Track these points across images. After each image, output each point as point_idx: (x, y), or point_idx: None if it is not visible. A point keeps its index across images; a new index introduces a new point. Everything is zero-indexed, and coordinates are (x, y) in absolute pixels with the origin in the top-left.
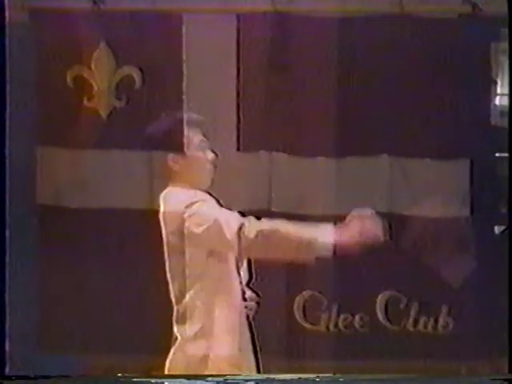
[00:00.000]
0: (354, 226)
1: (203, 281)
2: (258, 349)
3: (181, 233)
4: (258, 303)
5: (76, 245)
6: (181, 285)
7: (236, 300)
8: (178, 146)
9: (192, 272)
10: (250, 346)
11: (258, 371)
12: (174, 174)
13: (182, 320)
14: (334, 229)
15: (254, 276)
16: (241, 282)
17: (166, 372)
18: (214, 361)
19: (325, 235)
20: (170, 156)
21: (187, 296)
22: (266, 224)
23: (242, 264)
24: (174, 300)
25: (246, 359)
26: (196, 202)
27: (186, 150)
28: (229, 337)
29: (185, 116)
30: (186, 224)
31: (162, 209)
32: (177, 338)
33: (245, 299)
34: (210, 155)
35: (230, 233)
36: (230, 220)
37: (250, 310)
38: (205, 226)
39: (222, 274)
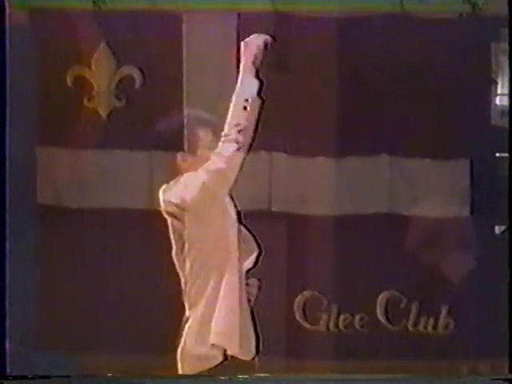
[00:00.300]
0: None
1: (204, 261)
2: (260, 334)
3: (181, 212)
4: (259, 287)
5: (76, 245)
6: (185, 268)
7: (237, 280)
8: (187, 145)
9: (193, 253)
10: (251, 329)
11: (257, 352)
12: (182, 171)
13: (189, 304)
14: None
15: (256, 265)
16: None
17: (179, 355)
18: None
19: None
20: (180, 154)
21: (189, 276)
22: None
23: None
24: (183, 287)
25: (245, 340)
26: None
27: (195, 148)
28: (230, 316)
29: (196, 115)
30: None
31: (161, 199)
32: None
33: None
34: None
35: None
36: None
37: (252, 295)
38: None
39: (222, 255)
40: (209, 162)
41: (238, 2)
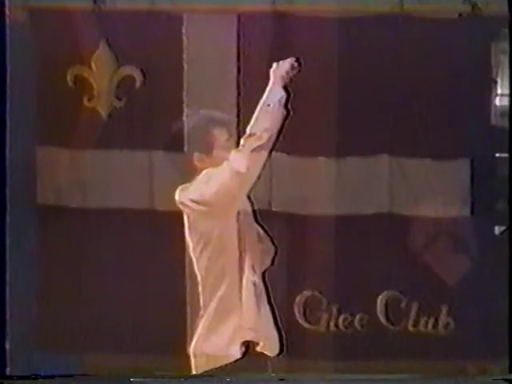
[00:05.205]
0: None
1: (220, 259)
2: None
3: (199, 208)
4: None
5: (76, 245)
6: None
7: (255, 279)
8: (203, 145)
9: (209, 250)
10: (274, 327)
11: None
12: (198, 172)
13: (204, 302)
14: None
15: (273, 265)
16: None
17: (192, 353)
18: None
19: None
20: (196, 154)
21: (204, 273)
22: None
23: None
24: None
25: (271, 337)
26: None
27: (211, 149)
28: (255, 315)
29: (210, 115)
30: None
31: (178, 196)
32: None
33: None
34: None
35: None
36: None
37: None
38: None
39: (238, 254)
40: (231, 161)
41: (238, 2)
